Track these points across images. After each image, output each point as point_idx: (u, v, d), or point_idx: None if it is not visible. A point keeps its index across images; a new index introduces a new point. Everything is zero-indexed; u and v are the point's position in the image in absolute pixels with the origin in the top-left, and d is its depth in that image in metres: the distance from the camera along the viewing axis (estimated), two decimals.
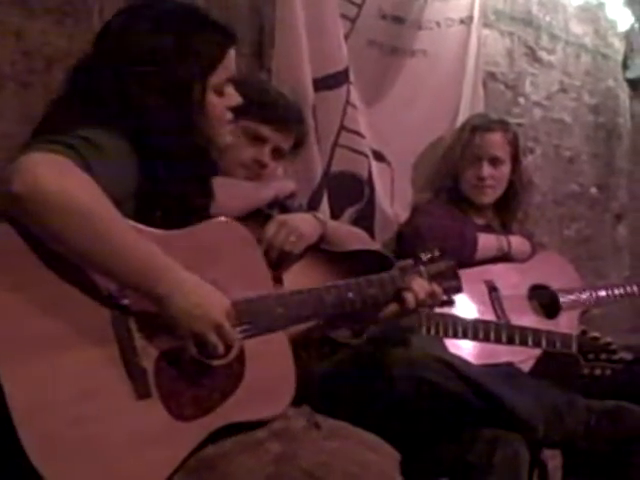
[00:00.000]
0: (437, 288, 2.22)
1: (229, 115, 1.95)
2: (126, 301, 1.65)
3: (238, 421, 1.78)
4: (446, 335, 2.72)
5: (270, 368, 1.85)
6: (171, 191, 1.79)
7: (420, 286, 2.19)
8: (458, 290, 2.33)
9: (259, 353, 1.82)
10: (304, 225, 2.36)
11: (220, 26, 1.90)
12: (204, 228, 1.82)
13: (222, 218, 1.87)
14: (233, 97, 1.94)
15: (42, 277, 1.58)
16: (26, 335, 1.55)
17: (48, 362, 1.55)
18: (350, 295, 2.03)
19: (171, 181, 1.79)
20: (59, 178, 1.54)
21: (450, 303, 2.36)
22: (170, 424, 1.67)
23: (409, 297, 2.17)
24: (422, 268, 2.23)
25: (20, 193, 1.51)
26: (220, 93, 1.90)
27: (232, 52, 1.90)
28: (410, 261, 2.25)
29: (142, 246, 1.62)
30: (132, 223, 1.67)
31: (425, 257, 2.26)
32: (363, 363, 2.38)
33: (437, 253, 2.28)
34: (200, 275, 1.70)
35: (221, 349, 1.70)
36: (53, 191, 1.52)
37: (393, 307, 2.19)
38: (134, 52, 1.78)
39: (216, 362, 1.74)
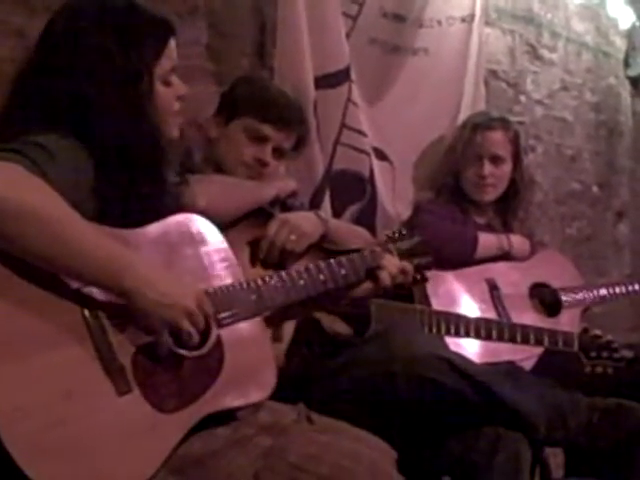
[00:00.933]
0: (407, 264, 2.23)
1: (177, 105, 1.95)
2: (96, 297, 1.65)
3: (223, 408, 1.78)
4: (448, 333, 2.73)
5: (250, 354, 1.85)
6: (127, 185, 1.78)
7: (390, 262, 2.20)
8: (429, 266, 2.34)
9: (237, 340, 1.82)
10: (306, 224, 2.37)
11: (159, 18, 1.91)
12: (167, 224, 1.82)
13: (183, 214, 1.88)
14: (180, 87, 1.95)
15: (8, 281, 1.56)
16: (1, 339, 1.54)
17: (26, 364, 1.54)
18: (321, 277, 2.04)
19: (126, 175, 1.78)
20: (12, 185, 1.53)
21: (424, 280, 2.36)
22: (154, 417, 1.66)
23: (382, 274, 2.17)
24: (391, 246, 2.24)
25: None
26: (167, 83, 1.91)
27: (173, 42, 1.91)
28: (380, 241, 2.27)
29: (103, 243, 1.62)
30: (93, 224, 1.66)
31: (392, 235, 2.28)
32: (365, 361, 2.39)
33: (404, 231, 2.30)
34: (166, 269, 1.72)
35: (196, 336, 1.70)
36: (6, 198, 1.51)
37: (367, 285, 2.19)
38: (79, 51, 1.78)
39: (193, 352, 1.73)
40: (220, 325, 1.79)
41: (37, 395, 1.54)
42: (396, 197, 3.49)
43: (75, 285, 1.63)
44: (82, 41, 1.79)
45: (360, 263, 2.15)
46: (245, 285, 1.88)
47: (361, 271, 2.15)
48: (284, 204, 2.58)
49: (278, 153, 2.55)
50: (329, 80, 3.14)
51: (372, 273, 2.17)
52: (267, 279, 1.93)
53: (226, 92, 2.63)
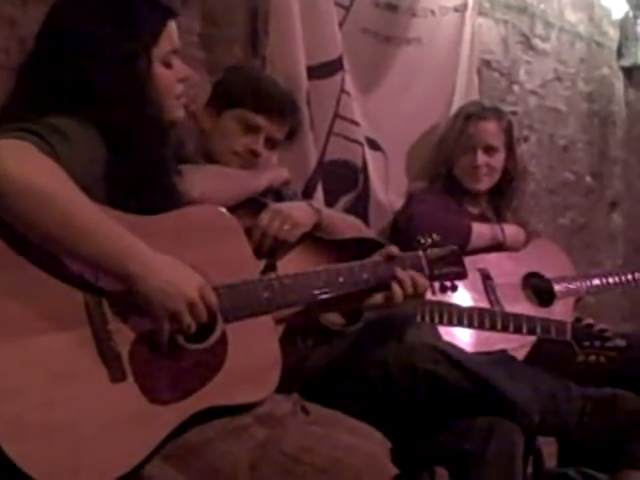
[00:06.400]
0: (418, 276, 2.12)
1: (179, 88, 1.95)
2: (100, 284, 1.64)
3: (218, 405, 1.76)
4: (440, 322, 2.73)
5: (255, 353, 1.83)
6: (136, 169, 1.79)
7: (402, 274, 2.10)
8: (461, 276, 2.25)
9: (243, 337, 1.80)
10: (298, 213, 2.36)
11: (158, 1, 1.93)
12: (184, 213, 1.81)
13: (206, 205, 1.87)
14: (182, 69, 1.96)
15: (12, 261, 1.58)
16: None
17: (20, 345, 1.56)
18: (341, 279, 2.01)
19: (134, 158, 1.78)
20: (21, 162, 1.55)
21: (453, 289, 2.31)
22: (146, 407, 1.66)
23: (394, 287, 2.09)
24: (421, 253, 2.17)
25: None
26: (167, 65, 1.91)
27: (172, 24, 1.92)
28: (392, 248, 2.16)
29: (109, 226, 1.62)
30: (104, 207, 1.67)
31: (425, 242, 2.20)
32: (358, 351, 2.39)
33: (437, 238, 2.22)
34: (176, 258, 1.70)
35: (194, 328, 1.69)
36: (14, 174, 1.53)
37: (379, 296, 2.12)
38: (78, 37, 1.80)
39: (195, 346, 1.73)
40: (227, 320, 1.77)
41: (27, 376, 1.55)
42: (389, 187, 3.49)
43: (79, 270, 1.63)
44: (80, 27, 1.81)
45: (379, 269, 2.08)
46: (259, 282, 1.86)
47: (382, 277, 2.07)
48: (277, 194, 2.57)
49: (270, 143, 2.54)
50: (322, 70, 3.14)
51: (385, 284, 2.09)
52: (283, 277, 1.91)
53: (218, 82, 2.62)
